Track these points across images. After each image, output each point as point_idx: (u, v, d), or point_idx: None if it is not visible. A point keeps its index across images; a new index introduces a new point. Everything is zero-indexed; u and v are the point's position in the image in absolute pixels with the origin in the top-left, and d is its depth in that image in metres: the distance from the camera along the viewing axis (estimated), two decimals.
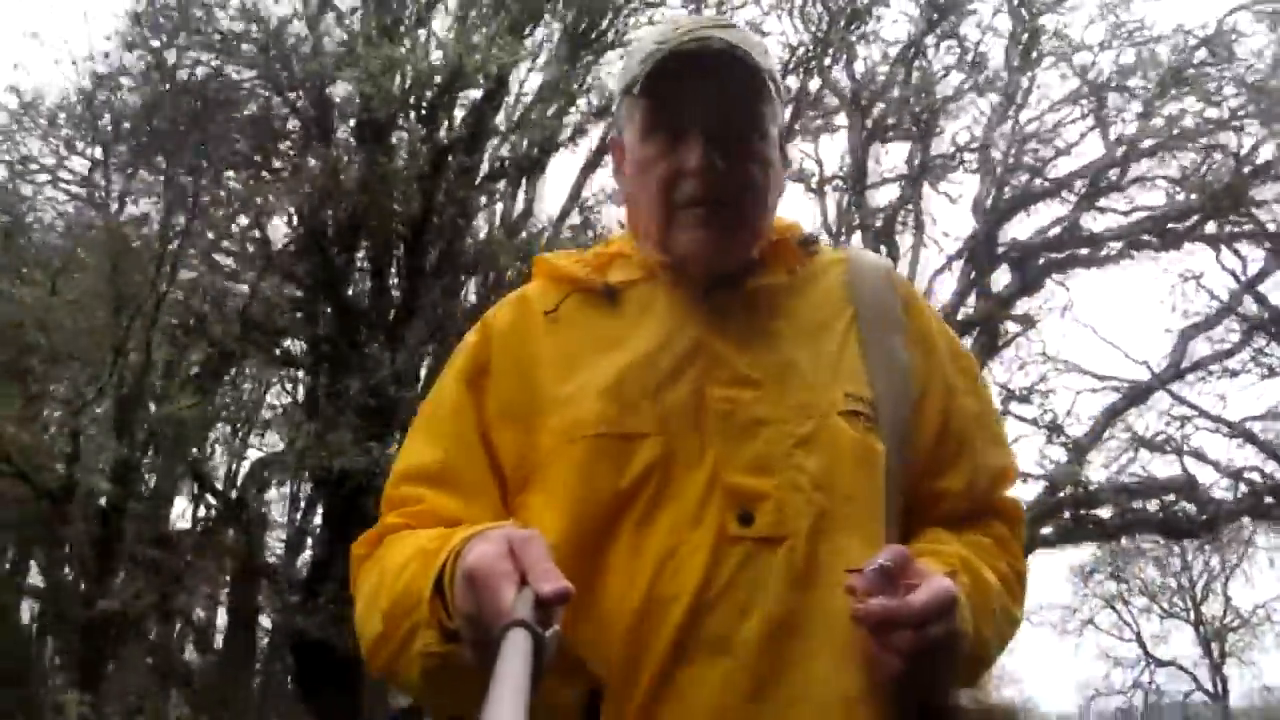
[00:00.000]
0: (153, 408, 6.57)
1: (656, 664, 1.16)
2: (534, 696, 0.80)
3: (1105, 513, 11.19)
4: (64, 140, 13.85)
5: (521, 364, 1.35)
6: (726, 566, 1.19)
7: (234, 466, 14.81)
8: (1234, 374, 14.39)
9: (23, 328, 6.41)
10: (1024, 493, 11.75)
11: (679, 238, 1.34)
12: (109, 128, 13.33)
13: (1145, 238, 12.62)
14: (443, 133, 8.01)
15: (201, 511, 14.95)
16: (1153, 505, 11.86)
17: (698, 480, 1.23)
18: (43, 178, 14.15)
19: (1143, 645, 26.94)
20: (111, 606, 5.47)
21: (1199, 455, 13.70)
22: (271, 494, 14.25)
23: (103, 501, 6.15)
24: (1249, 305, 14.04)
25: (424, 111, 7.88)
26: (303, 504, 14.08)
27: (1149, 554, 23.81)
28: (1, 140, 13.63)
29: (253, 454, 14.12)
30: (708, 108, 1.31)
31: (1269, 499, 12.09)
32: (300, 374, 10.13)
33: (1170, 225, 12.50)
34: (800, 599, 1.19)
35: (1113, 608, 26.58)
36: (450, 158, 7.83)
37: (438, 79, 7.34)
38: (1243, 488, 13.13)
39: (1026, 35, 12.77)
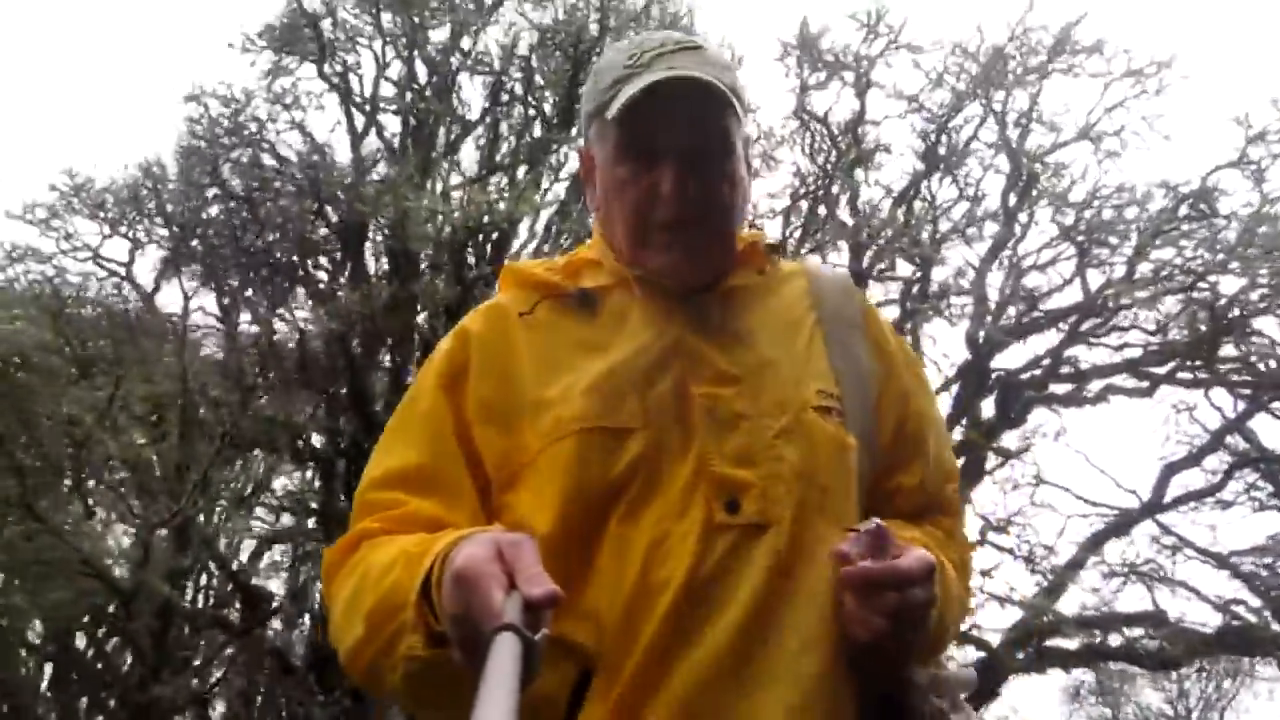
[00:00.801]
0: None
1: (650, 646, 1.22)
2: (523, 699, 0.84)
3: (1071, 644, 11.93)
4: (109, 221, 15.17)
5: (501, 367, 1.41)
6: (715, 552, 1.26)
7: (236, 544, 15.75)
8: (1226, 505, 15.20)
9: (79, 426, 7.41)
10: (1002, 618, 12.55)
11: (653, 258, 1.42)
12: (154, 215, 14.64)
13: (1123, 381, 13.54)
14: (471, 268, 9.12)
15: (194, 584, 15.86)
16: (1121, 638, 12.57)
17: (684, 472, 1.30)
18: (84, 254, 15.49)
19: None
20: (165, 693, 6.34)
21: (1186, 586, 14.46)
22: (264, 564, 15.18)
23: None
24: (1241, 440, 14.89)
25: (453, 248, 8.99)
26: (300, 579, 14.98)
27: (1143, 677, 24.13)
28: (51, 217, 15.00)
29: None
30: (679, 133, 1.37)
31: (1230, 637, 12.77)
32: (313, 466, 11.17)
33: (1149, 369, 13.50)
34: (783, 582, 1.27)
35: None
36: (474, 291, 8.96)
37: (468, 223, 8.45)
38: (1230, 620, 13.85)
39: (1024, 179, 13.94)
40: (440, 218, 7.95)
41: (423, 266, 9.26)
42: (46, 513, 6.18)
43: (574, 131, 12.19)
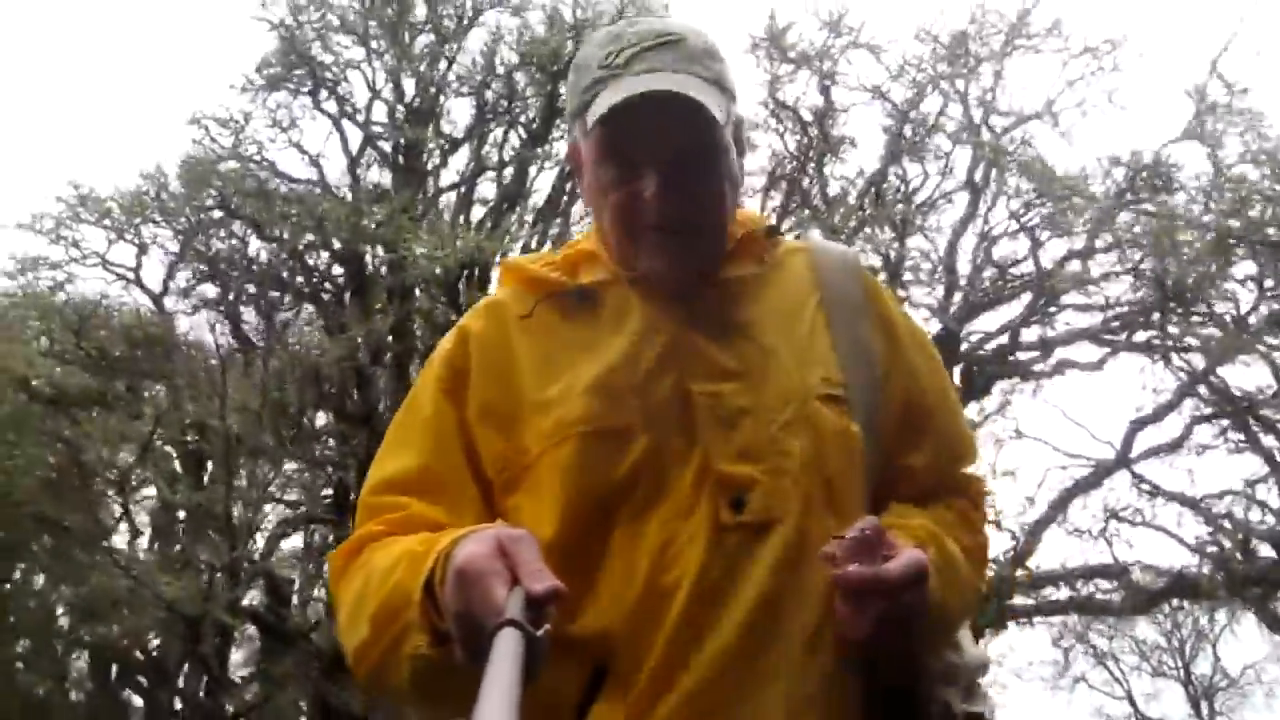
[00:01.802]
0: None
1: (664, 650, 1.27)
2: (526, 696, 0.88)
3: (1030, 601, 13.33)
4: (115, 228, 16.32)
5: (500, 368, 1.44)
6: (723, 553, 1.29)
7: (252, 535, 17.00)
8: (1202, 450, 16.52)
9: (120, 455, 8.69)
10: None
11: (641, 261, 1.44)
12: (159, 220, 15.78)
13: (1080, 350, 14.84)
14: (462, 296, 10.45)
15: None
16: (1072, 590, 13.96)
17: (688, 472, 1.33)
18: (92, 261, 16.68)
19: (1133, 703, 28.20)
20: (233, 703, 7.75)
21: (1165, 530, 15.85)
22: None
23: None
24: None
25: (447, 282, 10.33)
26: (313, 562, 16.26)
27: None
28: (58, 226, 16.15)
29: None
30: (660, 138, 1.39)
31: (1175, 590, 14.08)
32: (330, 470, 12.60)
33: (1108, 336, 14.82)
34: (790, 579, 1.31)
35: (1104, 665, 27.98)
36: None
37: (461, 261, 9.76)
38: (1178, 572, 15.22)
39: (985, 159, 15.15)
40: (434, 261, 9.24)
41: (418, 291, 10.60)
42: (110, 553, 7.51)
43: (554, 136, 13.50)
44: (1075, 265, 14.51)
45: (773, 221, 1.60)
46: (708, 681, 1.26)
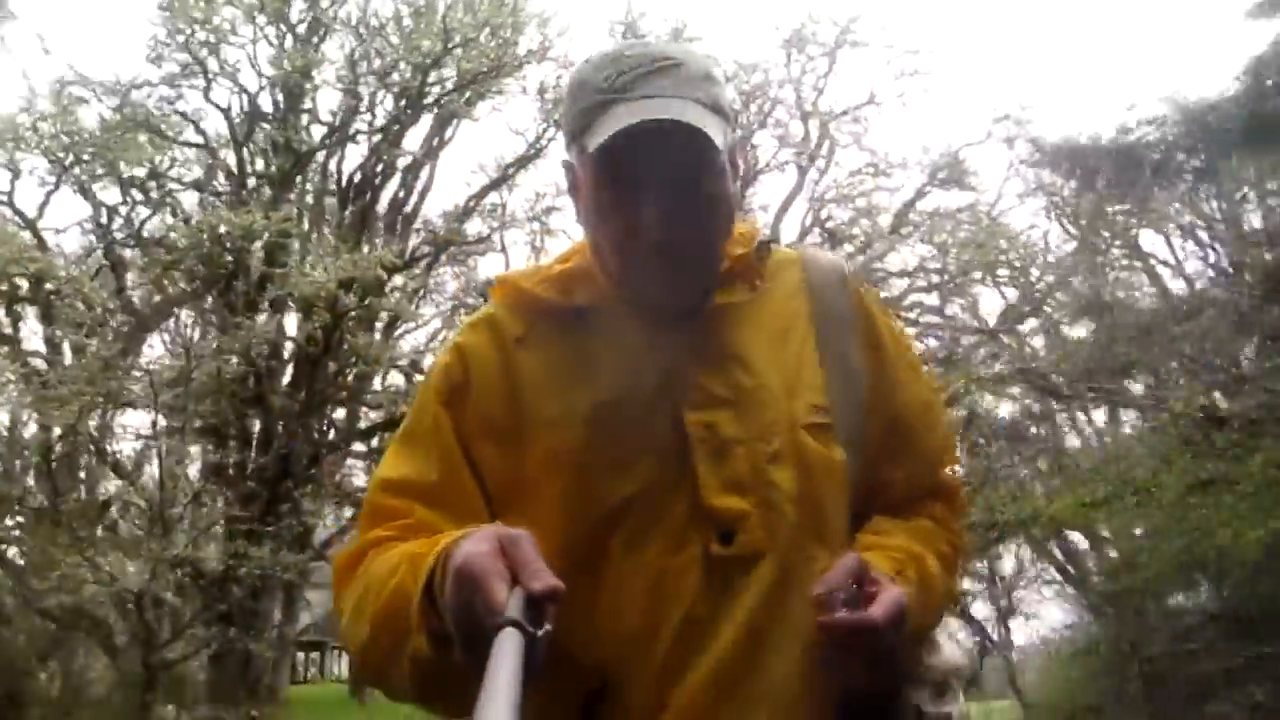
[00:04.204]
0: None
1: (653, 681, 1.37)
2: (526, 695, 0.91)
3: None
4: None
5: (500, 384, 1.53)
6: (712, 585, 1.40)
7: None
8: None
9: None
10: None
11: (636, 283, 1.52)
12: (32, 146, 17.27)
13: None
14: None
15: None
16: None
17: (681, 503, 1.43)
18: None
19: None
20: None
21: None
22: None
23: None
24: None
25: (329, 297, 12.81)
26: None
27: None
28: None
29: None
30: (658, 163, 1.44)
31: None
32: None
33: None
34: (777, 609, 1.41)
35: None
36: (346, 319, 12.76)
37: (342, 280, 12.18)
38: None
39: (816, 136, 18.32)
40: (321, 274, 11.57)
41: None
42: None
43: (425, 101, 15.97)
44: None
45: (765, 235, 1.64)
46: (691, 709, 1.37)
